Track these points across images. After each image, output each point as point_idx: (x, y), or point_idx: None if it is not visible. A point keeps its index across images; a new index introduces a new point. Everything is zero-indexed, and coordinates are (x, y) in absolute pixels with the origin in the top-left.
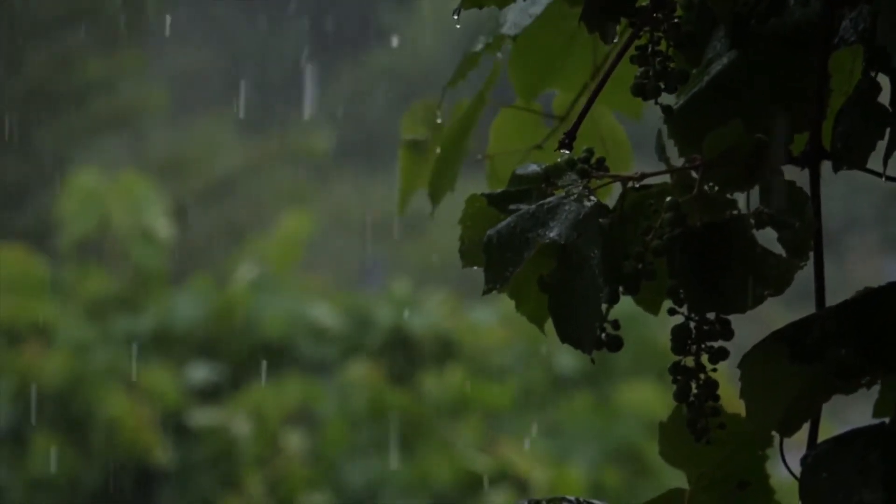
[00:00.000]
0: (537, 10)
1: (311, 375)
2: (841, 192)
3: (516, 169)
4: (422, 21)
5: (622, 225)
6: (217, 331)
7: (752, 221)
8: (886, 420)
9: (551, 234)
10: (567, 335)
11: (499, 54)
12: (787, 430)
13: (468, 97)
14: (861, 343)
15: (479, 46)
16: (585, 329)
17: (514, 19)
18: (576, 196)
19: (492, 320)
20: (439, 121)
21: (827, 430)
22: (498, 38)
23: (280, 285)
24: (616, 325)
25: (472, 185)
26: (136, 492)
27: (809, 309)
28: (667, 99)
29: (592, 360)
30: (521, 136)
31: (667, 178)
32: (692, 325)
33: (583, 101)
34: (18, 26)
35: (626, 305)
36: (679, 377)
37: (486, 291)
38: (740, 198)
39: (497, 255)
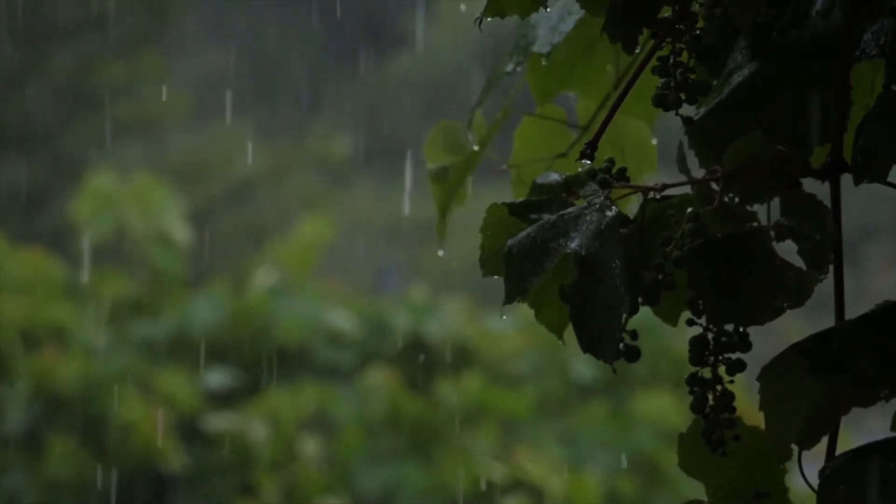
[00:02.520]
0: (567, 27)
1: (327, 381)
2: (859, 202)
3: (537, 178)
4: (442, 28)
5: (642, 235)
6: (234, 335)
7: (772, 233)
8: None
9: (572, 245)
10: (588, 345)
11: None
12: (807, 442)
13: (492, 111)
14: (880, 355)
15: (510, 67)
16: (607, 339)
17: (545, 37)
18: (597, 206)
19: (509, 328)
20: (470, 137)
21: (845, 443)
22: (528, 57)
23: (298, 290)
24: (634, 335)
25: (495, 194)
26: (151, 496)
27: (826, 320)
28: (688, 110)
29: (614, 371)
30: (546, 144)
31: (688, 188)
32: (710, 336)
33: (605, 110)
34: (41, 30)
35: (641, 314)
36: (696, 388)
37: (507, 302)
38: (760, 210)
39: (517, 265)
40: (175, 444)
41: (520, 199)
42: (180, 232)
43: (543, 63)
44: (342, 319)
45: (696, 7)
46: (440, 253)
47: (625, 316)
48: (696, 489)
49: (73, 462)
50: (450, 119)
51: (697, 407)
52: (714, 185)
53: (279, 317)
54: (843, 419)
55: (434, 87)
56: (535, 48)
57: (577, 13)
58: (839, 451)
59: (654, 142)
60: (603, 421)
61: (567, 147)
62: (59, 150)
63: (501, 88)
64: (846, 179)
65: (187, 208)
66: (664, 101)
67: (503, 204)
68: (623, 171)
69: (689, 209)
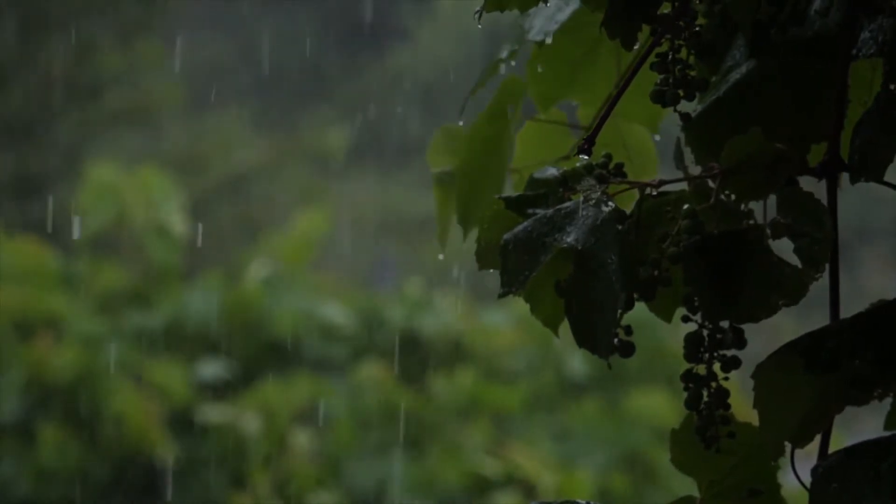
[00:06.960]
0: (563, 16)
1: (321, 374)
2: (854, 202)
3: (534, 173)
4: (440, 22)
5: (639, 231)
6: (228, 327)
7: (769, 231)
8: None
9: (568, 239)
10: (583, 340)
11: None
12: (801, 440)
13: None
14: (875, 355)
15: (504, 53)
16: (602, 334)
17: (540, 26)
18: (593, 201)
19: (503, 323)
20: (461, 122)
21: (837, 442)
22: (523, 44)
23: (292, 283)
24: (629, 330)
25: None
26: (143, 487)
27: (818, 319)
28: (686, 107)
29: (609, 366)
30: (549, 147)
31: (685, 185)
32: (705, 333)
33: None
34: (36, 18)
35: (635, 312)
36: (691, 385)
37: (503, 295)
38: (757, 207)
39: (513, 258)
40: (167, 435)
41: (515, 194)
42: (179, 224)
43: (532, 55)
44: (336, 313)
45: (695, 4)
46: (440, 257)
47: (620, 311)
48: (688, 486)
49: (66, 452)
50: (448, 121)
51: (692, 403)
52: (711, 182)
53: (273, 309)
54: (836, 418)
55: (431, 82)
56: (531, 36)
57: (575, 4)
58: (832, 449)
59: (657, 137)
60: (596, 417)
61: (570, 149)
62: (55, 140)
63: (496, 81)
64: (841, 179)
65: (185, 200)
66: (662, 98)
67: (500, 198)
68: (620, 166)
69: (686, 206)
